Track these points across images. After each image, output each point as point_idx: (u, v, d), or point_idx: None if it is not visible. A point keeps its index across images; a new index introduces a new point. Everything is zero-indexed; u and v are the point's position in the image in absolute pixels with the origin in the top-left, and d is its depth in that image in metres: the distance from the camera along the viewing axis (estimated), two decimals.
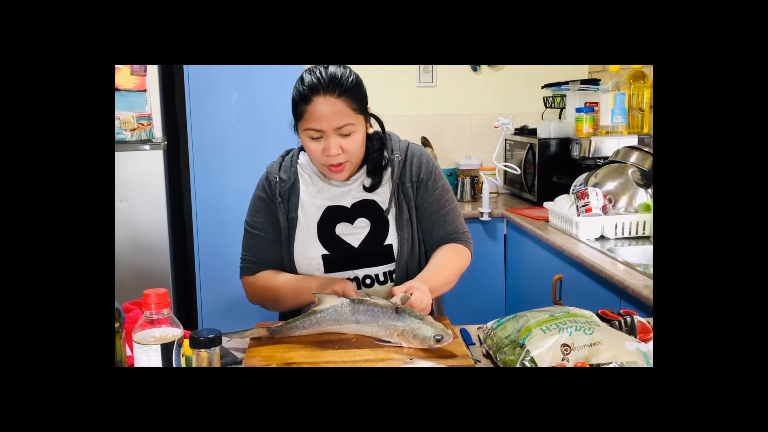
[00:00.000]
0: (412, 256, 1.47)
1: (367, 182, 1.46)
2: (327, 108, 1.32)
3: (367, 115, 1.41)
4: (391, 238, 1.43)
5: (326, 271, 1.44)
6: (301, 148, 1.57)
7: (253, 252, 1.49)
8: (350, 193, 1.47)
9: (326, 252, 1.44)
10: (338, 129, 1.33)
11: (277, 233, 1.48)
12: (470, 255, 1.52)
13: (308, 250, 1.45)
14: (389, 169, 1.47)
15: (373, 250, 1.44)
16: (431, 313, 1.46)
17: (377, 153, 1.48)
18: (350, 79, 1.35)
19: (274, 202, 1.47)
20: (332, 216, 1.46)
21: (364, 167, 1.47)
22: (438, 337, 1.16)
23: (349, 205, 1.46)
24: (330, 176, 1.43)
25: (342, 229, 1.45)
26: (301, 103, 1.34)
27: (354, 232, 1.45)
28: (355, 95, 1.35)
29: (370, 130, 1.45)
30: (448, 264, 1.45)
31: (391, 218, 1.44)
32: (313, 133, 1.35)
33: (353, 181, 1.47)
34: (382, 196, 1.46)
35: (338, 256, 1.44)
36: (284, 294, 1.44)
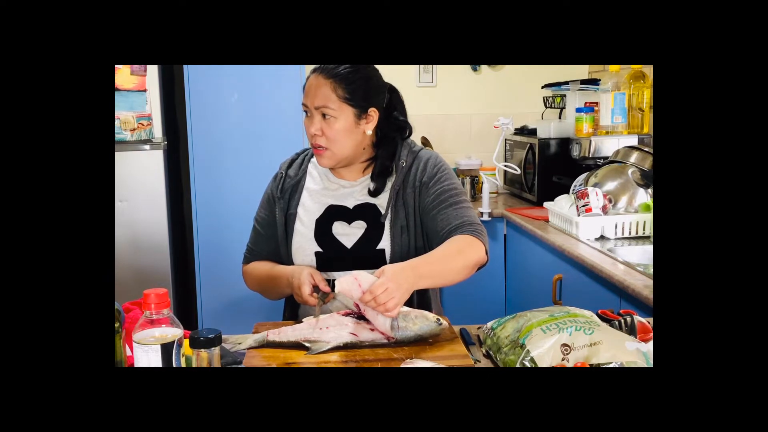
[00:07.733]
0: None
1: (372, 186, 1.47)
2: (313, 84, 1.39)
3: (360, 111, 1.40)
4: (384, 243, 1.42)
5: (319, 269, 1.43)
6: None
7: (251, 243, 1.57)
8: (354, 195, 1.47)
9: (320, 250, 1.44)
10: (318, 109, 1.39)
11: (273, 228, 1.51)
12: (482, 247, 1.36)
13: (304, 246, 1.46)
14: (393, 176, 1.47)
15: (365, 254, 1.43)
16: (428, 307, 1.45)
17: (387, 159, 1.47)
18: (348, 68, 1.39)
19: (275, 197, 1.50)
20: (332, 215, 1.46)
21: (371, 171, 1.48)
22: (437, 321, 1.22)
23: (351, 206, 1.46)
24: (317, 160, 1.45)
25: (339, 229, 1.45)
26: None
27: (349, 233, 1.45)
28: (346, 83, 1.38)
29: (368, 130, 1.43)
30: (448, 252, 1.33)
31: (387, 224, 1.43)
32: (304, 108, 1.43)
33: (359, 183, 1.48)
34: (383, 201, 1.46)
35: (330, 255, 1.44)
36: (265, 282, 1.49)
